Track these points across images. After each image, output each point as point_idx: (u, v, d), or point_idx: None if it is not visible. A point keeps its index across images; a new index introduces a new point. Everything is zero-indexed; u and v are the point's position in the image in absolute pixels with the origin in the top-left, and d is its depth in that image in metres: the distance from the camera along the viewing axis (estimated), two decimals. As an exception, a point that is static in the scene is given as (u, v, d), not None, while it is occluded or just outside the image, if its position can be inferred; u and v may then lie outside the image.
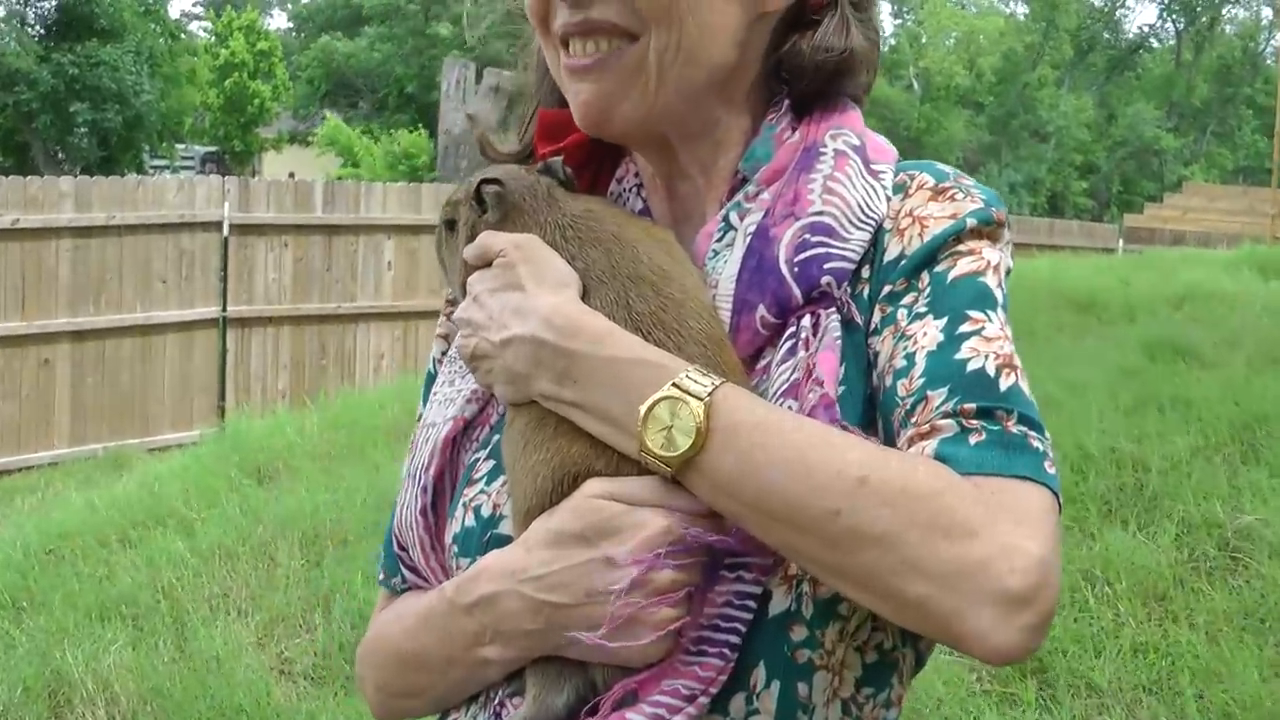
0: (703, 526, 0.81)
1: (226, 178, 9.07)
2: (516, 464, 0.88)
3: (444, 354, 1.08)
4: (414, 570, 0.98)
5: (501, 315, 0.88)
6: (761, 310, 0.90)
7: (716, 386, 0.81)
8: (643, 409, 0.80)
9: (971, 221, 0.92)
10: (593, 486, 0.83)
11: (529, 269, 0.90)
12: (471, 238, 0.95)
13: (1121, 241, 16.62)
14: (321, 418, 5.66)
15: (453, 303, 1.09)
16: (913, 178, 0.97)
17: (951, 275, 0.90)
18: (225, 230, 8.48)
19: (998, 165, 30.59)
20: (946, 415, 0.83)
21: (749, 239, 0.92)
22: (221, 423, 7.56)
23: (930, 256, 0.91)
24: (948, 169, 0.99)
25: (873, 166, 0.97)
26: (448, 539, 0.95)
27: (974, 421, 0.82)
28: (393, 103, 25.22)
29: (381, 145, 18.26)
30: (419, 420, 1.06)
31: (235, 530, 4.13)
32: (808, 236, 0.92)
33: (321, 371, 8.95)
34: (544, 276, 0.89)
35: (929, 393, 0.84)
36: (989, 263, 0.91)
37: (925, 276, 0.90)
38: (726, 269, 0.92)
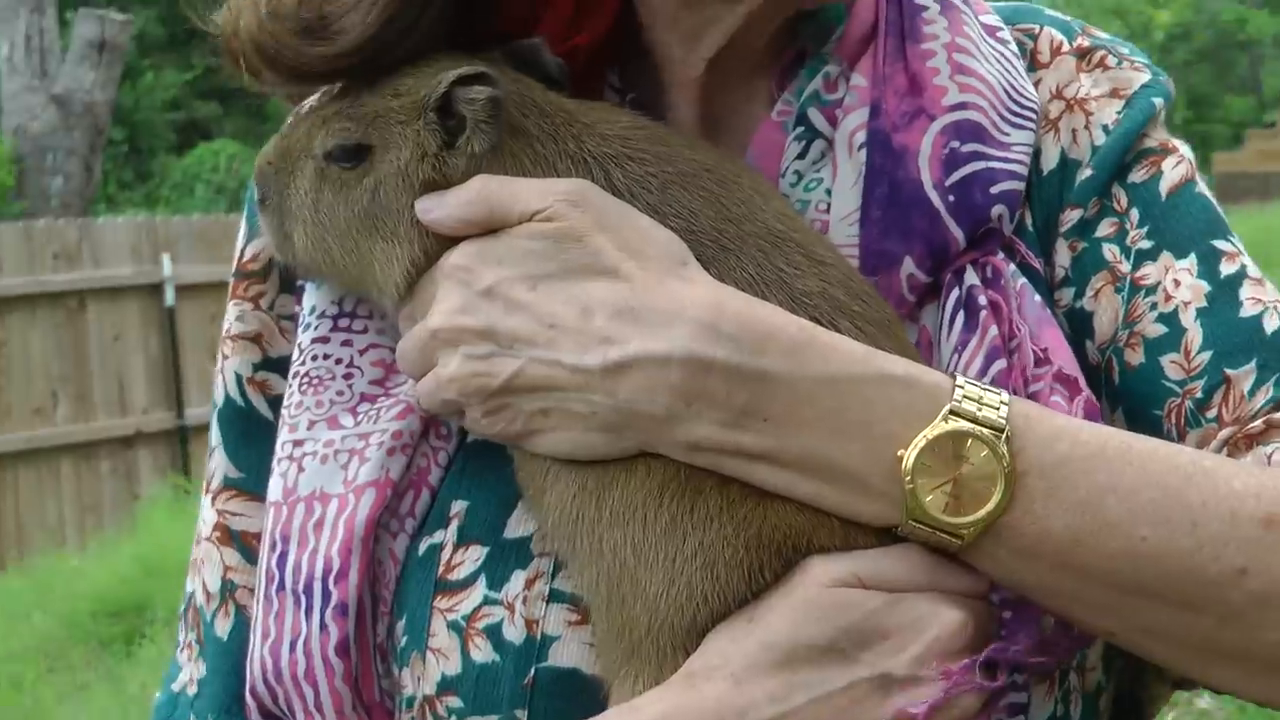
0: (990, 614, 0.95)
1: None
2: (643, 555, 0.96)
3: (258, 368, 1.16)
4: None
5: (588, 322, 0.95)
6: (910, 265, 1.04)
7: (1009, 404, 0.93)
8: (909, 456, 0.91)
9: (1159, 102, 1.09)
10: (827, 570, 0.93)
11: (613, 239, 0.97)
12: (429, 183, 1.02)
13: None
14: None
15: (252, 276, 1.17)
16: (1033, 35, 1.14)
17: (1163, 189, 1.06)
18: None
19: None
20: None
21: (863, 153, 1.05)
22: None
23: (1117, 162, 1.08)
24: (1063, 16, 1.18)
25: (984, 21, 1.12)
26: (413, 688, 1.02)
27: None
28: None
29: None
30: (220, 489, 1.14)
31: None
32: (956, 144, 1.05)
33: None
34: (645, 251, 0.97)
35: (1229, 372, 1.00)
36: (1190, 163, 1.09)
37: (1121, 193, 1.07)
38: (836, 204, 1.06)
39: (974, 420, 0.90)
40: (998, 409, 0.91)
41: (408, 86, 1.04)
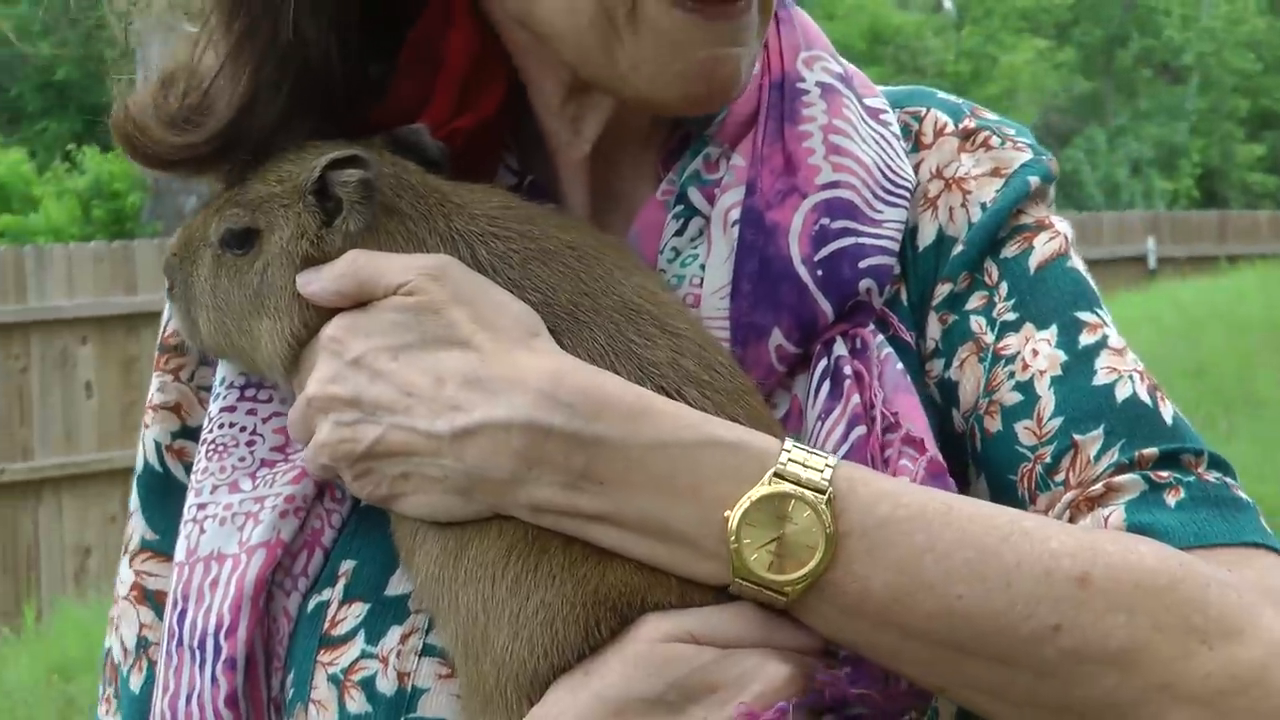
0: (824, 667, 0.99)
1: None
2: (492, 611, 1.03)
3: (176, 436, 1.24)
4: None
5: (440, 390, 1.02)
6: (778, 337, 1.11)
7: (835, 467, 0.99)
8: (734, 516, 0.97)
9: (1035, 181, 1.17)
10: (659, 626, 1.00)
11: (468, 312, 1.04)
12: (309, 260, 1.10)
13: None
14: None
15: (173, 350, 1.25)
16: (919, 117, 1.22)
17: (1032, 263, 1.14)
18: None
19: (1102, 128, 30.57)
20: (1123, 469, 1.05)
21: (736, 229, 1.13)
22: None
23: (990, 238, 1.15)
24: (954, 99, 1.24)
25: (867, 104, 1.19)
26: None
27: (1163, 474, 1.05)
28: (32, 104, 25.32)
29: (50, 177, 17.87)
30: (137, 551, 1.22)
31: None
32: (826, 221, 1.12)
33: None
34: (497, 323, 1.04)
35: (1077, 437, 1.07)
36: (1066, 238, 1.17)
37: (993, 267, 1.15)
38: (709, 278, 1.13)
39: (798, 483, 0.96)
40: (821, 472, 0.97)
41: (289, 172, 1.13)
